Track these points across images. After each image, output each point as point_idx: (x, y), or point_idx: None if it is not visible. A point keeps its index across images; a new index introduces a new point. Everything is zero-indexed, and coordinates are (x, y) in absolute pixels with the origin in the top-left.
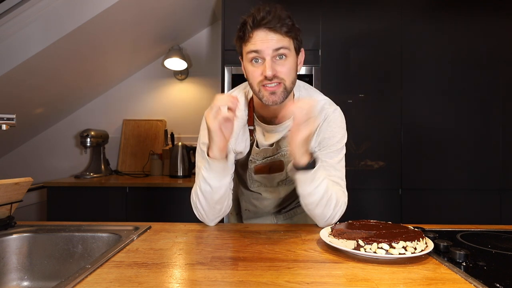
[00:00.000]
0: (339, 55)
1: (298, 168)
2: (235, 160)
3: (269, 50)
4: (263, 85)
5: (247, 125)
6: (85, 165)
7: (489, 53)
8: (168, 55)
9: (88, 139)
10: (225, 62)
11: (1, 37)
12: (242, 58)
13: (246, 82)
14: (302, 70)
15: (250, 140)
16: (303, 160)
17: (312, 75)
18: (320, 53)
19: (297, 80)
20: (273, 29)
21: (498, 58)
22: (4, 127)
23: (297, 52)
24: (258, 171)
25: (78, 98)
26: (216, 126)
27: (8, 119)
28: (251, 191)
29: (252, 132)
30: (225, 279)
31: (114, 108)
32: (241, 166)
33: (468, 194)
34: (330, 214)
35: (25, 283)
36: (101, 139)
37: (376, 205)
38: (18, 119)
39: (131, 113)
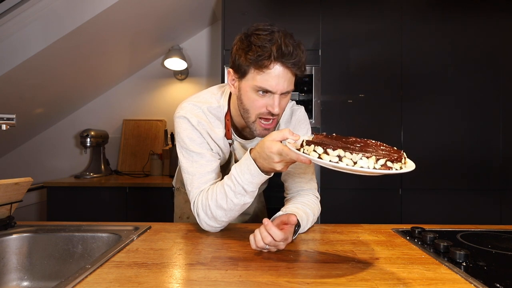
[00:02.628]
0: (339, 55)
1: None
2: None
3: (279, 91)
4: (261, 118)
5: (225, 138)
6: (85, 165)
7: (489, 53)
8: (168, 55)
9: (88, 139)
10: (225, 62)
11: (1, 37)
12: (240, 75)
13: (213, 93)
14: None
15: (229, 153)
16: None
17: (312, 75)
18: (320, 53)
19: None
20: (290, 67)
21: (498, 58)
22: (4, 127)
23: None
24: None
25: (78, 98)
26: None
27: (8, 119)
28: None
29: (230, 145)
30: (225, 279)
31: (114, 108)
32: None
33: (468, 194)
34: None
35: (25, 283)
36: (101, 139)
37: (376, 205)
38: (18, 119)
39: (131, 113)
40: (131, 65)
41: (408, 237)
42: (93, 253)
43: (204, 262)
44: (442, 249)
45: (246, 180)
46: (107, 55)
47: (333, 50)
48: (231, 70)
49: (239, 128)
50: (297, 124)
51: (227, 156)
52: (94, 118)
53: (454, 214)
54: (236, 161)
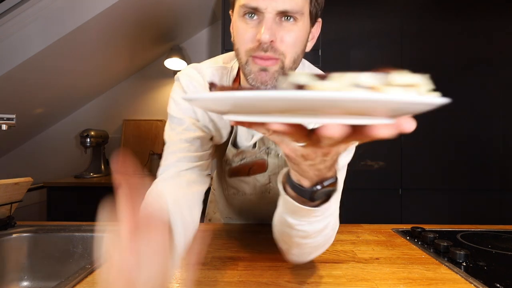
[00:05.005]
0: (339, 55)
1: (292, 184)
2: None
3: (272, 9)
4: (254, 56)
5: None
6: (85, 165)
7: (489, 53)
8: (168, 55)
9: (88, 139)
10: None
11: (1, 37)
12: (232, 11)
13: (227, 55)
14: None
15: (229, 133)
16: (304, 179)
17: None
18: (320, 53)
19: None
20: None
21: (498, 57)
22: (4, 127)
23: (313, 21)
24: (233, 173)
25: (78, 98)
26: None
27: (8, 119)
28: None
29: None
30: (225, 279)
31: (114, 108)
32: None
33: (468, 194)
34: (306, 258)
35: (25, 283)
36: (101, 139)
37: (376, 205)
38: (18, 119)
39: (131, 113)
40: (131, 65)
41: (408, 237)
42: (93, 253)
43: (204, 262)
44: (442, 249)
45: None
46: (107, 55)
47: (333, 51)
48: (230, 12)
49: None
50: None
51: (224, 135)
52: (94, 118)
53: (454, 214)
54: (235, 143)
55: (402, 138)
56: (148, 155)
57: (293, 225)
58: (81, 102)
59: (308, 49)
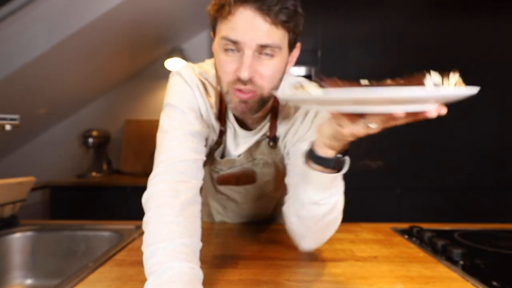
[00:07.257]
0: (338, 56)
1: (317, 159)
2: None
3: (252, 43)
4: (235, 89)
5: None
6: (88, 165)
7: (488, 53)
8: (169, 56)
9: (90, 139)
10: None
11: (5, 38)
12: (213, 34)
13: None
14: (301, 71)
15: (217, 143)
16: (331, 150)
17: (311, 76)
18: (319, 54)
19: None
20: (265, 12)
21: (498, 57)
22: (8, 127)
23: (291, 47)
24: (223, 181)
25: (81, 98)
26: None
27: (11, 119)
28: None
29: (221, 134)
30: (225, 277)
31: (116, 108)
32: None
33: (466, 193)
34: (323, 238)
35: (29, 281)
36: (103, 139)
37: (374, 205)
38: (21, 119)
39: (133, 113)
40: (133, 65)
41: (406, 236)
42: (96, 251)
43: (205, 261)
44: (440, 248)
45: None
46: (109, 56)
47: (332, 51)
48: (211, 34)
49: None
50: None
51: (213, 139)
52: (97, 118)
53: (452, 213)
54: (223, 156)
55: (400, 137)
56: (149, 155)
57: (319, 200)
58: (84, 102)
59: (287, 72)
